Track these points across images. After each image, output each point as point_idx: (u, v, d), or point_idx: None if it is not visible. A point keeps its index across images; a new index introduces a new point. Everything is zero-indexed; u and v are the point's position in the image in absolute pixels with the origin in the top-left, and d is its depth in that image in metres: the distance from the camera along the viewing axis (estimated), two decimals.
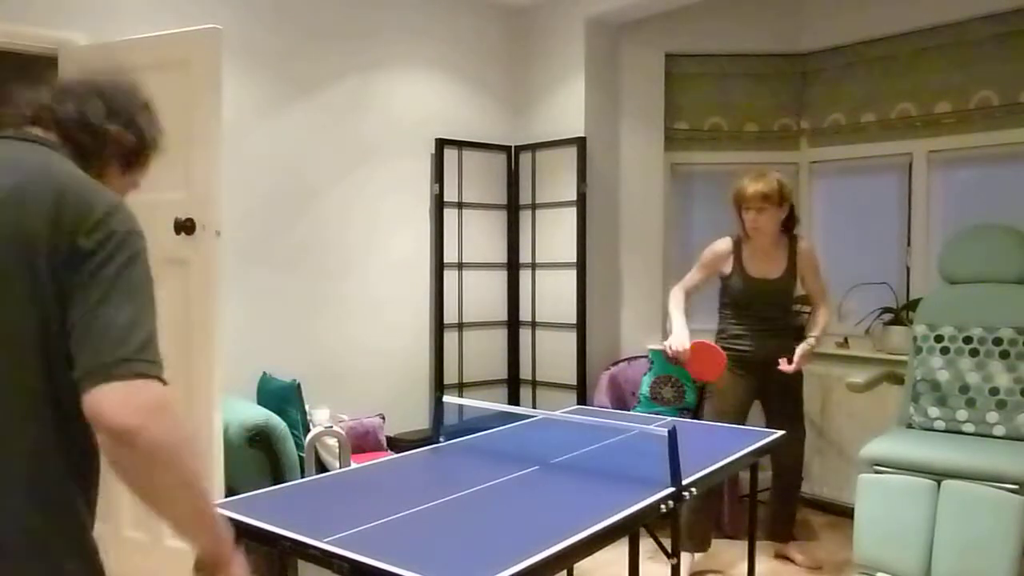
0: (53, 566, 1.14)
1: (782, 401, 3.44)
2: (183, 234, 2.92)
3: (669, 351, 3.20)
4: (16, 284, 1.11)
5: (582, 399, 4.39)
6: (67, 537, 1.16)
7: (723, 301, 3.50)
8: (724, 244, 3.47)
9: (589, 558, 1.78)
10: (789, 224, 3.41)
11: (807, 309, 4.30)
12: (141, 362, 1.08)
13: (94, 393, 1.05)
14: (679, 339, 3.19)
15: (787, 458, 3.46)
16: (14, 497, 1.12)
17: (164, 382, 1.10)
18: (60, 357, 1.12)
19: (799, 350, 3.30)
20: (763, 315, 3.40)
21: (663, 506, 1.88)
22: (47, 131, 1.26)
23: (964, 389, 3.26)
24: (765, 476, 3.72)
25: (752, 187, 3.28)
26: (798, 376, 3.45)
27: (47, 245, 1.10)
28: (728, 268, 3.43)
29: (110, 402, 1.05)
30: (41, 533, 1.13)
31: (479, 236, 4.67)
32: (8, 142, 1.24)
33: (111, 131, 1.29)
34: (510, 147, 4.77)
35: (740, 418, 3.37)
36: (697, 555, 3.44)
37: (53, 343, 1.12)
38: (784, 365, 3.28)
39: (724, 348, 3.47)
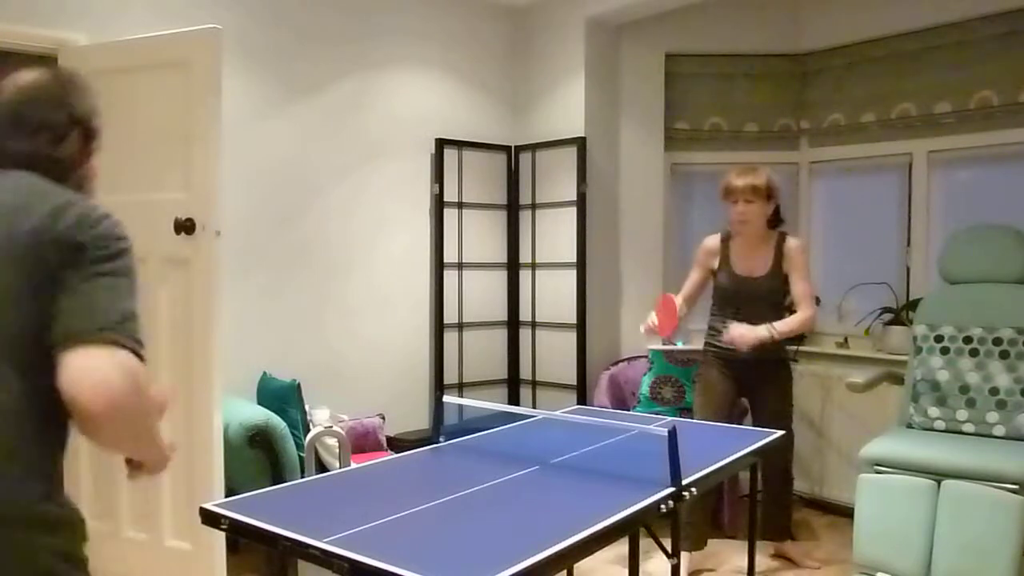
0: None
1: (769, 400, 3.42)
2: (183, 234, 2.92)
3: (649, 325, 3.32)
4: (13, 280, 1.20)
5: (582, 399, 4.39)
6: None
7: (712, 298, 3.51)
8: (713, 240, 3.49)
9: (589, 558, 1.78)
10: (775, 222, 3.41)
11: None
12: (116, 332, 1.18)
13: (69, 358, 1.15)
14: (650, 316, 3.32)
15: (774, 458, 3.44)
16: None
17: (140, 356, 1.20)
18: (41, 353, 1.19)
19: (751, 329, 3.22)
20: (748, 313, 3.38)
21: (663, 506, 1.88)
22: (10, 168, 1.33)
23: (964, 389, 3.26)
24: None
25: (741, 179, 3.31)
26: (787, 376, 3.44)
27: (49, 243, 1.22)
28: (716, 264, 3.45)
29: (82, 374, 1.14)
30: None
31: (479, 236, 4.67)
32: None
33: (63, 155, 1.37)
34: (510, 147, 4.77)
35: (721, 416, 3.34)
36: (693, 554, 3.44)
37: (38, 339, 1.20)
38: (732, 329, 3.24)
39: (711, 346, 3.47)
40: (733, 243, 3.44)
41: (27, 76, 1.39)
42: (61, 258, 1.21)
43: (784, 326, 3.25)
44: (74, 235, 1.23)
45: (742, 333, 3.21)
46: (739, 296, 3.39)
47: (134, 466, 1.36)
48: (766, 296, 3.36)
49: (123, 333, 1.19)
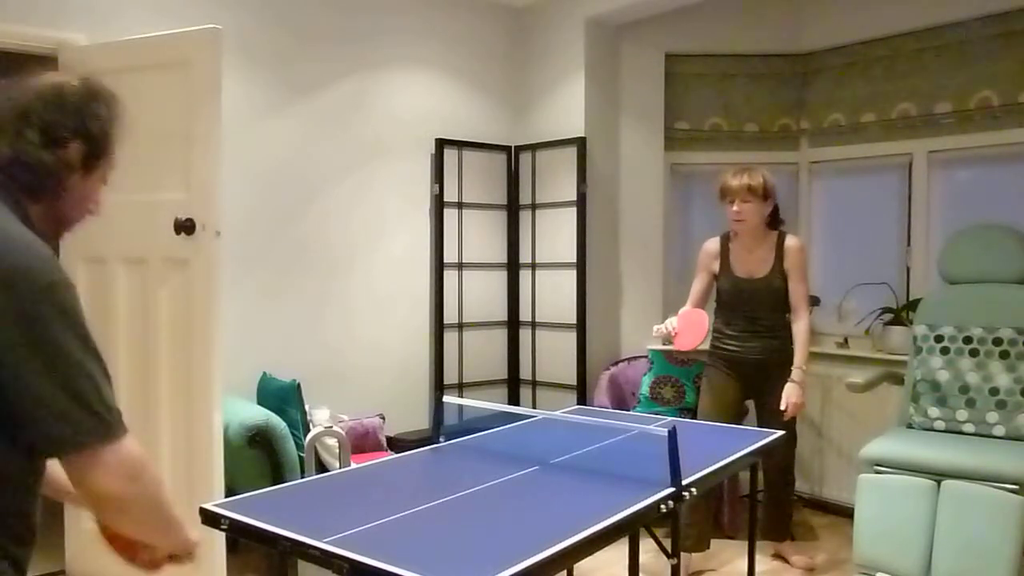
0: None
1: (774, 402, 3.41)
2: (183, 234, 2.92)
3: (663, 330, 3.24)
4: None
5: (582, 399, 4.39)
6: None
7: (716, 301, 3.50)
8: (712, 243, 3.49)
9: (589, 558, 1.78)
10: (774, 222, 3.41)
11: None
12: (99, 428, 1.11)
13: (63, 468, 1.12)
14: (669, 320, 3.24)
15: (777, 458, 3.44)
16: None
17: (121, 435, 1.14)
18: None
19: (787, 392, 3.25)
20: (751, 315, 3.38)
21: (663, 506, 1.88)
22: None
23: (964, 389, 3.26)
24: None
25: (737, 179, 3.31)
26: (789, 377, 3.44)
27: None
28: (717, 267, 3.44)
29: (84, 487, 1.12)
30: None
31: (479, 236, 4.67)
32: None
33: (49, 160, 1.22)
34: (510, 147, 4.77)
35: (728, 418, 3.34)
36: (695, 555, 3.44)
37: None
38: (787, 410, 3.26)
39: (716, 348, 3.46)
40: (733, 245, 3.43)
41: (52, 78, 1.26)
42: None
43: (802, 355, 3.30)
44: (14, 295, 1.07)
45: (794, 402, 3.25)
46: (741, 298, 3.38)
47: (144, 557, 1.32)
48: (768, 297, 3.36)
49: (105, 428, 1.11)
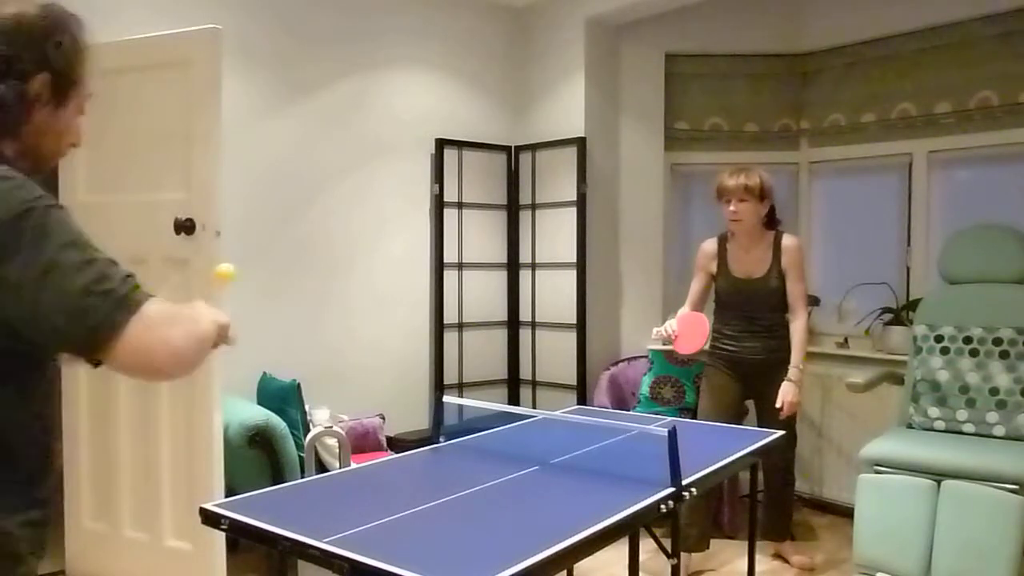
0: None
1: (774, 401, 3.41)
2: (183, 234, 2.92)
3: (663, 333, 3.24)
4: None
5: (582, 399, 4.39)
6: None
7: (714, 302, 3.50)
8: (710, 244, 3.49)
9: (589, 558, 1.78)
10: (771, 222, 3.41)
11: None
12: (113, 314, 1.10)
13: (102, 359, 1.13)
14: (669, 322, 3.25)
15: (776, 458, 3.44)
16: None
17: (140, 302, 1.13)
18: None
19: (783, 391, 3.26)
20: (749, 315, 3.39)
21: (663, 506, 1.88)
22: None
23: (964, 389, 3.26)
24: None
25: (733, 179, 3.32)
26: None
27: None
28: (715, 268, 3.45)
29: (125, 367, 1.13)
30: None
31: (479, 236, 4.67)
32: None
33: (11, 95, 1.17)
34: (510, 147, 4.77)
35: (728, 418, 3.34)
36: (695, 555, 3.44)
37: None
38: (783, 408, 3.26)
39: (715, 348, 3.46)
40: (730, 245, 3.44)
41: (10, 7, 1.18)
42: None
43: (799, 354, 3.30)
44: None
45: (790, 401, 3.25)
46: (739, 298, 3.39)
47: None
48: (766, 297, 3.36)
49: (123, 305, 1.10)
